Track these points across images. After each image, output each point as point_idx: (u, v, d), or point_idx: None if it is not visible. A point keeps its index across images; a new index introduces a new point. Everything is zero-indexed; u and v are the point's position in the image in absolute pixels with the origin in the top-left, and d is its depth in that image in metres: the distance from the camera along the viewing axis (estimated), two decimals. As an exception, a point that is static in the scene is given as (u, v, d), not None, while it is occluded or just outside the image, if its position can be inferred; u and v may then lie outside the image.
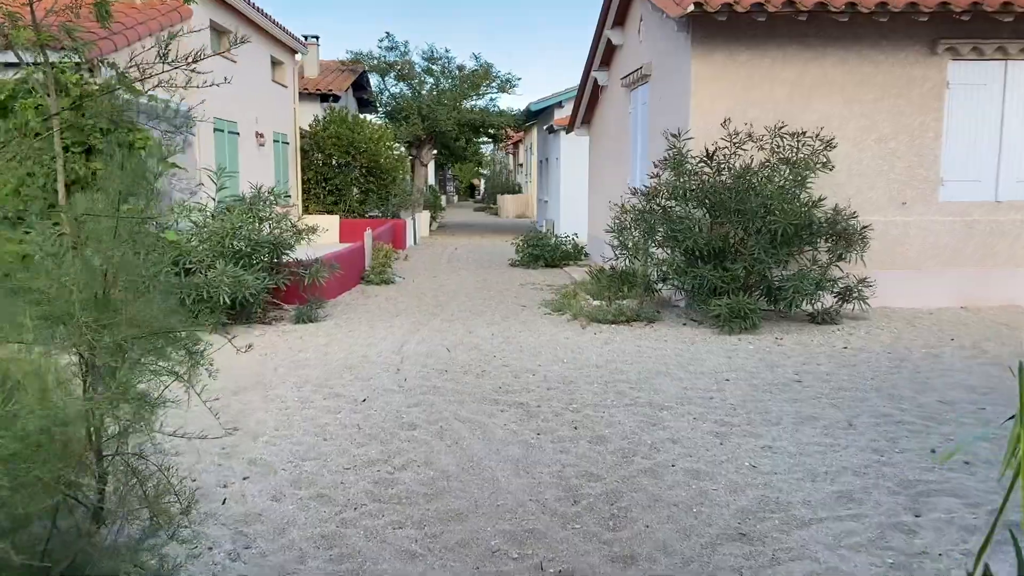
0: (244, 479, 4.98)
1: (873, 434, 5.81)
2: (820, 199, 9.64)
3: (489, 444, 5.60)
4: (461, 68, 27.97)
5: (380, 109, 28.89)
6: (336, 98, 24.50)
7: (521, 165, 47.46)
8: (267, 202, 10.48)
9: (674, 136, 10.20)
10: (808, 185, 9.69)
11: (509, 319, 10.52)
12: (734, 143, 9.96)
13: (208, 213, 10.16)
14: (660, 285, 10.34)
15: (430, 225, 28.82)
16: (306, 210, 21.47)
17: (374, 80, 28.77)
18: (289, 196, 20.46)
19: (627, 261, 10.42)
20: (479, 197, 57.30)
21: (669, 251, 9.96)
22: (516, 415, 6.27)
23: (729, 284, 9.42)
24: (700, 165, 9.93)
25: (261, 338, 9.22)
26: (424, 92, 27.76)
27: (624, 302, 10.57)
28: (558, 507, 4.56)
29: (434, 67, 27.71)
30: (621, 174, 14.68)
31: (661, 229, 9.85)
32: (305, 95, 23.97)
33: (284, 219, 10.50)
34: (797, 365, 7.95)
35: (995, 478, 4.91)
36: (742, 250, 9.48)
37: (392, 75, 27.63)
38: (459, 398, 6.75)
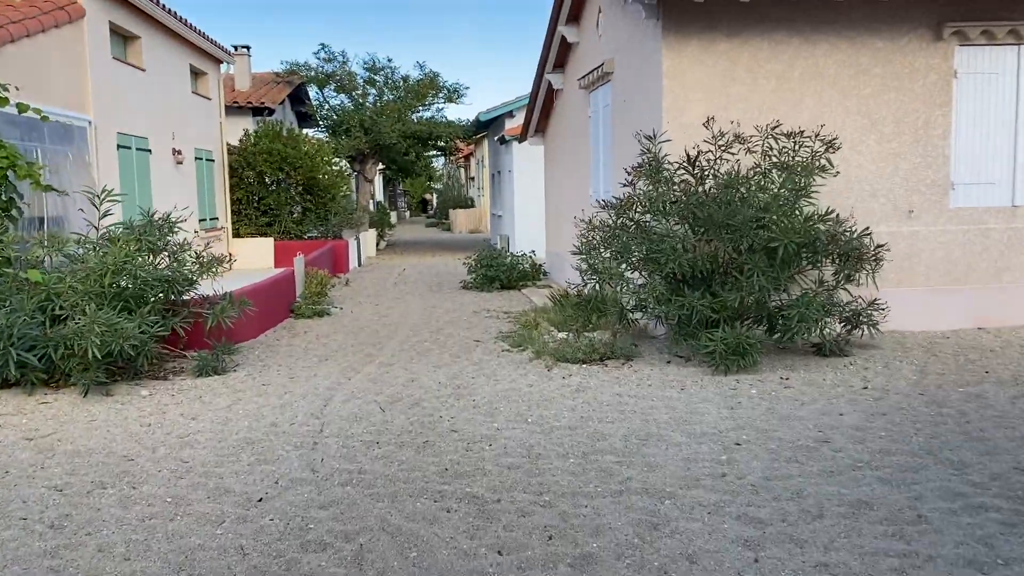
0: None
1: (956, 531, 4.24)
2: (828, 212, 8.15)
3: None
4: (405, 78, 26.28)
5: (321, 123, 27.06)
6: (270, 112, 22.61)
7: (473, 178, 45.86)
8: (162, 229, 8.66)
9: (648, 139, 8.64)
10: (812, 194, 8.19)
11: (460, 359, 8.84)
12: (719, 146, 8.44)
13: (89, 246, 8.32)
14: (637, 314, 8.75)
15: (377, 244, 27.04)
16: (237, 233, 19.58)
17: (313, 93, 26.95)
18: (216, 219, 18.60)
19: (596, 286, 8.82)
20: (431, 212, 55.50)
21: (647, 275, 8.38)
22: (467, 518, 4.58)
23: (720, 313, 7.87)
24: (680, 172, 8.38)
25: (148, 400, 7.40)
26: (367, 104, 26.02)
27: (594, 335, 8.96)
28: None
29: (376, 77, 25.99)
30: (581, 185, 13.12)
31: (637, 249, 8.26)
32: (235, 109, 22.09)
33: (183, 249, 8.69)
34: (816, 416, 6.40)
35: None
36: (735, 273, 7.93)
37: (331, 87, 25.82)
38: (391, 490, 5.04)
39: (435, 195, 56.19)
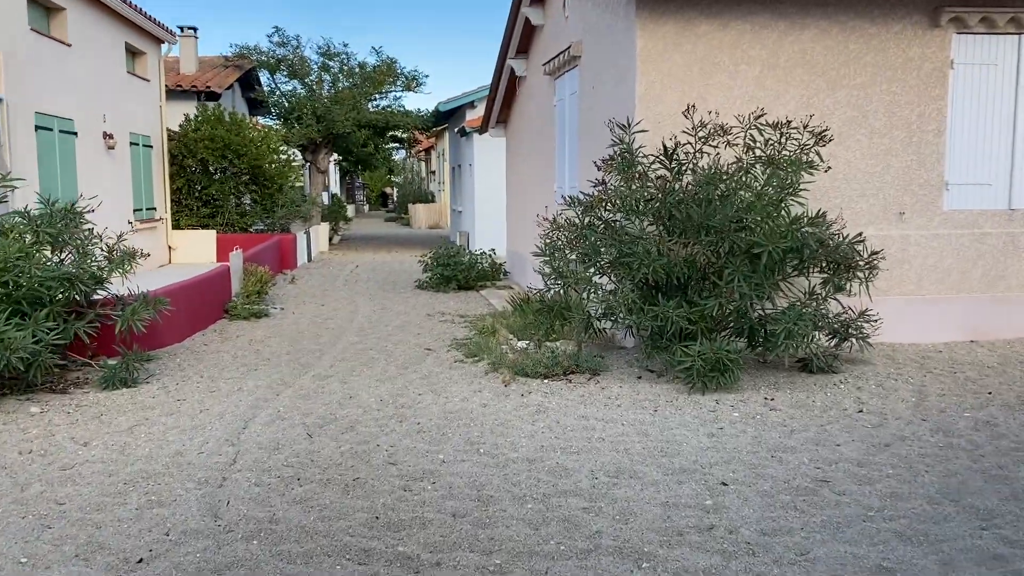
0: None
1: (1004, 613, 3.42)
2: (819, 214, 7.34)
3: None
4: (362, 65, 25.12)
5: (273, 110, 25.79)
6: (216, 97, 21.32)
7: (434, 172, 44.76)
8: (66, 221, 7.56)
9: (622, 127, 7.75)
10: (800, 192, 7.37)
11: (407, 371, 7.88)
12: (699, 138, 7.58)
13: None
14: (605, 323, 7.87)
15: (331, 239, 25.89)
16: (177, 225, 18.35)
17: (265, 79, 25.69)
18: (153, 209, 17.36)
19: (560, 291, 7.92)
20: (391, 207, 54.20)
21: (616, 280, 7.50)
22: (397, 590, 3.65)
23: (698, 324, 7.02)
24: (655, 167, 7.51)
25: (36, 419, 6.33)
26: (321, 91, 24.82)
27: (557, 345, 8.06)
28: None
29: (331, 63, 24.78)
30: (545, 180, 12.23)
31: (607, 252, 7.38)
32: (179, 93, 20.77)
33: (90, 242, 7.60)
34: (810, 447, 5.57)
35: None
36: (714, 279, 7.09)
37: (283, 72, 24.58)
38: (305, 547, 4.08)
39: (395, 189, 54.93)
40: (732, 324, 7.34)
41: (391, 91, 24.63)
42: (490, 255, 15.06)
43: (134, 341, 7.71)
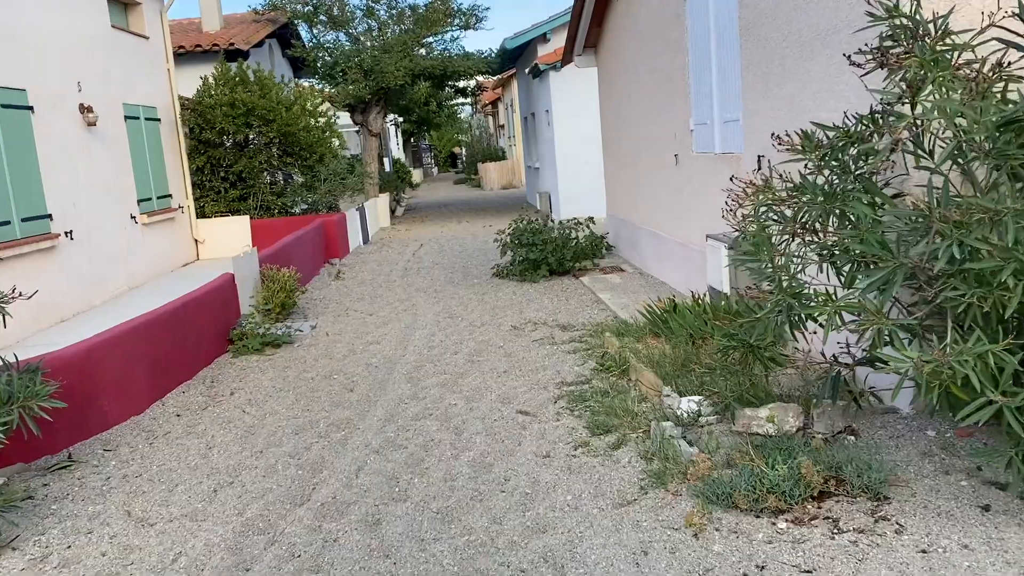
0: None
1: None
2: None
3: None
4: (413, 7, 21.36)
5: (318, 69, 22.28)
6: (242, 55, 17.94)
7: (502, 126, 40.93)
8: None
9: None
10: None
11: (490, 475, 4.33)
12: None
13: None
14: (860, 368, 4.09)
15: (393, 211, 22.52)
16: (202, 213, 15.14)
17: (304, 33, 22.22)
18: (168, 197, 14.17)
19: (777, 309, 4.15)
20: (460, 168, 50.63)
21: (895, 296, 3.70)
22: None
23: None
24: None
25: None
26: (368, 41, 21.21)
27: (764, 416, 4.34)
28: None
29: (376, 6, 21.10)
30: (669, 115, 8.40)
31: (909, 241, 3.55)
32: (199, 55, 17.53)
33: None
34: None
35: None
36: None
37: (322, 22, 21.04)
38: None
39: (463, 148, 51.26)
40: None
41: (447, 30, 20.80)
42: (587, 226, 11.33)
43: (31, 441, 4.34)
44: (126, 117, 12.64)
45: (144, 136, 13.24)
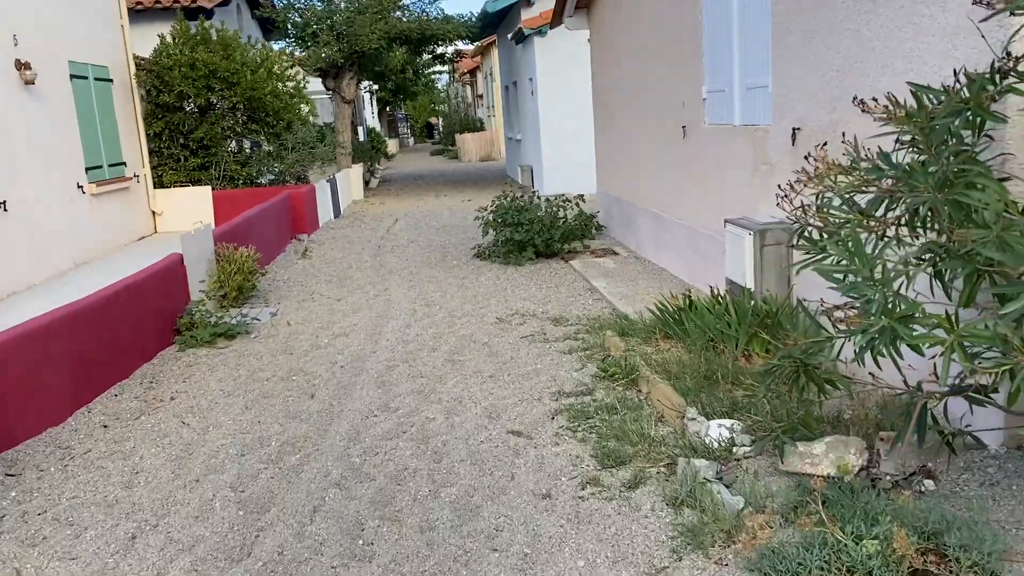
0: None
1: None
2: None
3: None
4: (390, -35, 20.10)
5: (289, 30, 20.99)
6: (206, 13, 16.69)
7: (481, 96, 39.70)
8: None
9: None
10: None
11: (476, 526, 3.46)
12: None
13: None
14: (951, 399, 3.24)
15: (367, 182, 21.44)
16: (159, 182, 14.02)
17: (276, -7, 20.90)
18: (122, 164, 13.04)
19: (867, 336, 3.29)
20: (437, 139, 49.29)
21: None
22: None
23: None
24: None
25: None
26: (341, 3, 19.97)
27: (821, 447, 3.49)
28: None
29: (350, -36, 19.83)
30: (676, 81, 7.48)
31: None
32: (159, 12, 16.29)
33: None
34: None
35: None
36: None
37: (291, -21, 19.77)
38: None
39: (440, 119, 49.89)
40: None
41: (425, -8, 19.64)
42: (576, 203, 10.42)
43: None
44: (72, 76, 11.49)
45: (94, 98, 12.10)
